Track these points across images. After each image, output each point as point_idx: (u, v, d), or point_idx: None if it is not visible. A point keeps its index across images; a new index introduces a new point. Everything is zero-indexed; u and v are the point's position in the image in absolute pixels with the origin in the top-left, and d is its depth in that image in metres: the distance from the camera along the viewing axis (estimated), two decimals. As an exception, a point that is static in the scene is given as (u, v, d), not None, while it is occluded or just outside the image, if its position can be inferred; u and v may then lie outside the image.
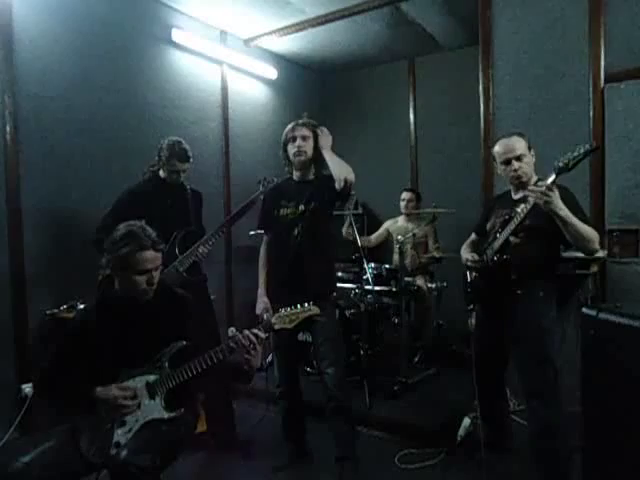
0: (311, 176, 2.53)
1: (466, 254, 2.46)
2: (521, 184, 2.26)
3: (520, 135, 2.28)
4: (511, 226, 2.16)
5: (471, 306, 2.42)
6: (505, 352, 2.36)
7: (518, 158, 2.22)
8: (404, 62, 5.08)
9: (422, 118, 5.03)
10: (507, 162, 2.25)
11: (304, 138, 2.44)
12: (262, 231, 2.68)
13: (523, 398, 2.28)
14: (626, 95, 2.82)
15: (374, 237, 4.45)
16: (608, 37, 2.89)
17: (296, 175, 2.54)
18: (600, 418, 1.78)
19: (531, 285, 2.19)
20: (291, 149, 2.47)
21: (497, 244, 2.23)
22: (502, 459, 2.52)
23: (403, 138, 5.12)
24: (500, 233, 2.23)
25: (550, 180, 1.96)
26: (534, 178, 2.27)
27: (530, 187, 2.04)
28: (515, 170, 2.23)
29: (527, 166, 2.24)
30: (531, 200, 2.02)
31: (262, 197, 2.73)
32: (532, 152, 2.27)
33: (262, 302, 2.54)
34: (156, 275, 1.84)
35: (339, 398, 2.40)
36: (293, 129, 2.47)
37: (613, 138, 2.87)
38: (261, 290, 2.57)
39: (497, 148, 2.31)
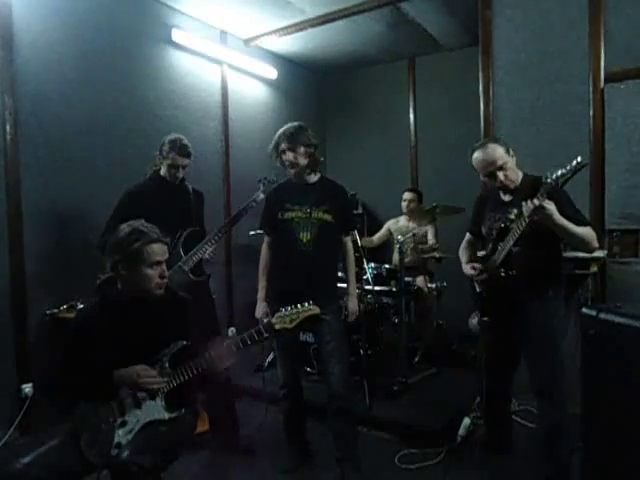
0: (313, 179, 2.52)
1: (468, 268, 2.40)
2: (509, 189, 2.23)
3: (494, 141, 2.21)
4: (509, 241, 2.12)
5: (485, 318, 2.39)
6: (516, 353, 2.35)
7: (501, 168, 2.15)
8: (404, 62, 5.08)
9: (422, 118, 5.04)
10: (491, 175, 2.18)
11: (292, 150, 2.41)
12: (262, 231, 2.67)
13: (533, 398, 2.27)
14: (626, 95, 2.83)
15: (376, 237, 4.45)
16: (608, 37, 2.89)
17: (296, 178, 2.53)
18: (600, 418, 1.78)
19: (540, 286, 2.19)
20: (285, 161, 2.46)
21: (500, 258, 2.20)
22: (502, 459, 2.52)
23: (403, 138, 5.12)
24: (500, 244, 2.20)
25: (540, 198, 1.93)
26: (520, 176, 2.23)
27: (524, 206, 1.99)
28: (501, 181, 2.17)
29: (511, 171, 2.18)
30: (525, 215, 2.00)
31: (263, 196, 2.72)
32: (511, 152, 2.20)
33: (262, 306, 2.53)
34: (165, 269, 1.86)
35: (343, 398, 2.40)
36: (280, 142, 2.43)
37: (613, 138, 2.87)
38: (261, 294, 2.56)
39: (476, 162, 2.22)
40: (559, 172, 1.90)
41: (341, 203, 2.54)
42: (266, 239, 2.63)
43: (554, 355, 2.15)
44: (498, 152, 2.16)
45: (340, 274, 3.02)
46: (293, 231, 2.43)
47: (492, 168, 2.16)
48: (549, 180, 1.91)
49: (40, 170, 2.98)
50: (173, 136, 2.70)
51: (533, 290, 2.19)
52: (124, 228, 1.84)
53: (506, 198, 2.28)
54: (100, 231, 2.61)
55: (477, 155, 2.21)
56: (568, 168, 1.88)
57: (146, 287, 1.82)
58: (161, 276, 1.84)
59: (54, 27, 3.06)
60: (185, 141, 2.70)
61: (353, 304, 2.57)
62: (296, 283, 2.39)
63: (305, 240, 2.42)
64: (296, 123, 2.48)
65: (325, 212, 2.44)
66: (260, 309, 2.53)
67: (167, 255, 1.88)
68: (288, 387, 2.58)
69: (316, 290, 2.26)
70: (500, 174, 2.16)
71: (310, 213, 2.43)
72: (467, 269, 2.41)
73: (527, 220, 2.01)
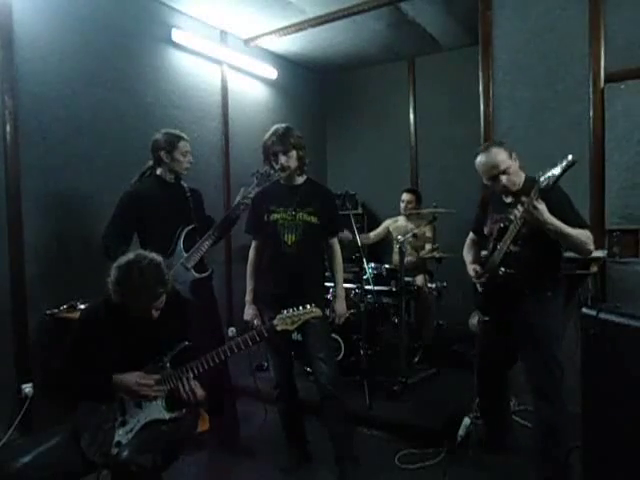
0: (300, 180, 2.52)
1: (470, 268, 2.43)
2: (511, 192, 2.24)
3: (498, 145, 2.23)
4: (507, 240, 2.14)
5: (487, 317, 2.41)
6: (511, 352, 2.36)
7: (504, 172, 2.17)
8: (404, 62, 5.09)
9: (422, 118, 5.04)
10: (494, 178, 2.20)
11: (285, 153, 2.39)
12: (248, 234, 2.65)
13: (529, 397, 2.27)
14: (626, 95, 2.83)
15: (373, 234, 4.46)
16: (608, 37, 2.89)
17: (283, 180, 2.52)
18: (600, 418, 1.78)
19: (538, 286, 2.20)
20: (275, 165, 2.45)
21: (498, 257, 2.22)
22: (502, 459, 2.52)
23: (403, 138, 5.12)
24: (499, 244, 2.22)
25: (532, 198, 1.95)
26: (522, 179, 2.24)
27: (515, 210, 2.04)
28: (504, 185, 2.19)
29: (514, 175, 2.19)
30: (517, 216, 2.02)
31: (257, 190, 2.68)
32: (514, 156, 2.21)
33: (251, 309, 2.55)
34: (164, 300, 1.83)
35: (335, 395, 2.40)
36: (272, 144, 2.40)
37: (613, 138, 2.87)
38: (249, 297, 2.58)
39: (479, 166, 2.25)
40: (550, 172, 1.90)
41: (326, 205, 2.53)
42: (253, 242, 2.64)
43: (551, 356, 2.15)
44: (500, 156, 2.17)
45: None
46: (278, 233, 2.43)
47: (495, 172, 2.18)
48: (542, 179, 1.92)
49: (40, 170, 2.97)
50: (161, 132, 2.70)
51: (531, 290, 2.19)
52: (132, 273, 1.73)
53: (508, 200, 2.30)
54: (101, 231, 2.61)
55: (480, 159, 2.24)
56: (559, 171, 1.88)
57: (140, 313, 1.82)
58: (157, 309, 1.82)
59: (54, 27, 3.06)
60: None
61: (340, 306, 2.56)
62: (281, 284, 2.41)
63: (290, 242, 2.42)
64: (284, 124, 2.46)
65: (310, 214, 2.44)
66: (249, 311, 2.54)
67: (165, 297, 1.84)
68: (281, 387, 2.58)
69: (301, 291, 2.27)
70: (503, 178, 2.17)
71: (295, 215, 2.43)
72: (470, 270, 2.43)
73: (520, 221, 2.03)
